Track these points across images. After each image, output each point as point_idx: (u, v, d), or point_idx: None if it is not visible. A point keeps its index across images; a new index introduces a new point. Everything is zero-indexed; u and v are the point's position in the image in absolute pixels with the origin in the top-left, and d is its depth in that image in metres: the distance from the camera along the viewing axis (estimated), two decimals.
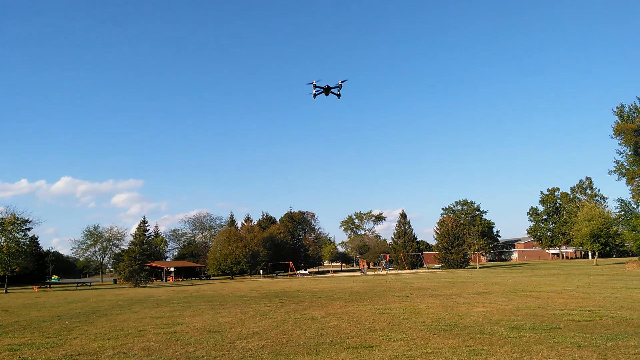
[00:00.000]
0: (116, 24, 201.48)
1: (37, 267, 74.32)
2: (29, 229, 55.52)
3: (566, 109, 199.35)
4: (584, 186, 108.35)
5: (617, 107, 59.94)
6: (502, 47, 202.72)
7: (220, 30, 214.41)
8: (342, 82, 26.76)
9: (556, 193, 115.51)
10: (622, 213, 57.96)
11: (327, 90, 26.69)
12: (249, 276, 77.97)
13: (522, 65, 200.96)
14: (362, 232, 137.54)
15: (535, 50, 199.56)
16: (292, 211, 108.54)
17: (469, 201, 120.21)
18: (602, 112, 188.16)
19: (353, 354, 9.09)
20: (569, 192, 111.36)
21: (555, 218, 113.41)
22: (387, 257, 79.66)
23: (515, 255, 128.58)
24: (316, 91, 26.68)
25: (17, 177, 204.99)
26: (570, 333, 10.57)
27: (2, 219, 53.80)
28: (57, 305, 25.61)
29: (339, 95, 27.05)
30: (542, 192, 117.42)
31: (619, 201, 57.90)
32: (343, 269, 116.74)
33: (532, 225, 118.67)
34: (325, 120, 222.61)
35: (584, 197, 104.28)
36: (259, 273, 77.22)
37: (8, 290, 51.01)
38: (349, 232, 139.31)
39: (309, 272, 79.11)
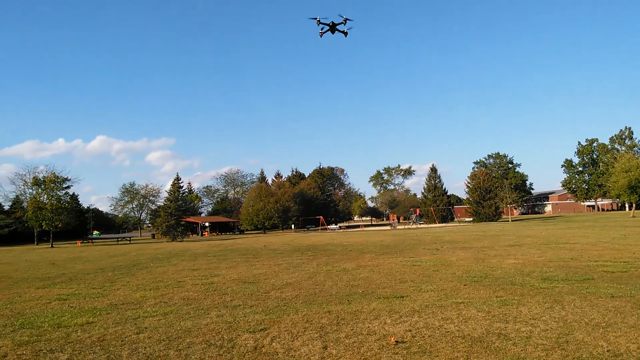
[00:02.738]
0: None
1: (78, 223, 77.67)
2: (68, 187, 58.00)
3: (604, 58, 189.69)
4: (624, 136, 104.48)
5: None
6: None
7: None
8: (345, 19, 25.42)
9: (594, 144, 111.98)
10: None
11: (332, 27, 25.39)
12: (281, 231, 79.57)
13: (560, 15, 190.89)
14: (392, 186, 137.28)
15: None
16: (322, 167, 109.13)
17: (501, 154, 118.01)
18: None
19: (384, 304, 9.29)
20: (607, 143, 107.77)
21: (592, 170, 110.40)
22: (417, 211, 79.64)
23: (549, 208, 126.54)
24: (321, 28, 25.53)
25: (54, 136, 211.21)
26: (604, 284, 10.49)
27: (43, 177, 56.08)
28: (99, 259, 26.84)
29: (345, 34, 25.63)
30: (579, 143, 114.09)
31: None
32: (373, 223, 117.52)
33: (566, 178, 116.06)
34: (354, 74, 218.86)
35: (623, 148, 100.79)
36: (291, 228, 78.61)
37: (53, 245, 53.65)
38: (378, 187, 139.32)
39: (340, 227, 79.98)
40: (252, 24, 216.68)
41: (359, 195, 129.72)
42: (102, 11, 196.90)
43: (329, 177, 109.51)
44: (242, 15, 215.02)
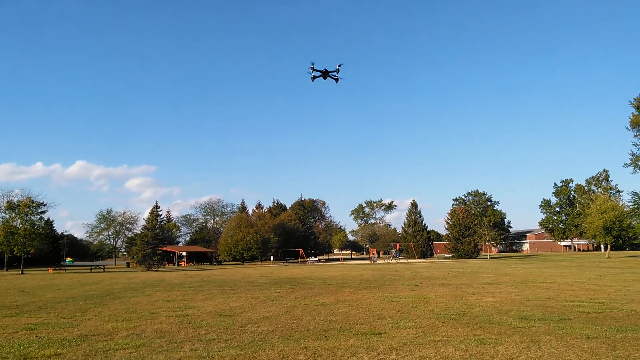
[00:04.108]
0: (123, 10, 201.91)
1: (51, 249, 75.53)
2: (44, 212, 56.59)
3: (583, 100, 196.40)
4: (600, 178, 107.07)
5: (635, 99, 59.05)
6: (518, 37, 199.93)
7: (238, 14, 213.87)
8: (339, 66, 26.53)
9: (570, 185, 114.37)
10: (636, 206, 57.41)
11: (325, 73, 26.35)
12: (260, 262, 78.66)
13: (538, 56, 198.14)
14: (373, 220, 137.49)
15: (550, 41, 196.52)
16: (303, 199, 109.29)
17: (480, 192, 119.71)
18: (620, 104, 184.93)
19: (362, 340, 9.19)
20: (584, 184, 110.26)
21: (568, 210, 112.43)
22: (397, 246, 79.80)
23: (526, 247, 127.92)
24: (314, 74, 26.43)
25: (32, 160, 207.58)
26: (580, 324, 10.56)
27: (18, 201, 54.78)
28: (71, 287, 26.10)
29: (336, 80, 26.72)
30: (555, 184, 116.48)
31: (632, 194, 57.34)
32: (353, 257, 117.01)
33: (544, 217, 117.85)
34: (336, 109, 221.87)
35: (599, 190, 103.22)
36: (270, 259, 77.79)
37: (24, 272, 52.00)
38: (359, 221, 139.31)
39: (319, 260, 79.46)
40: (236, 54, 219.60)
41: (340, 228, 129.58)
42: (87, 36, 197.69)
43: (310, 209, 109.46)
44: (226, 46, 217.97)
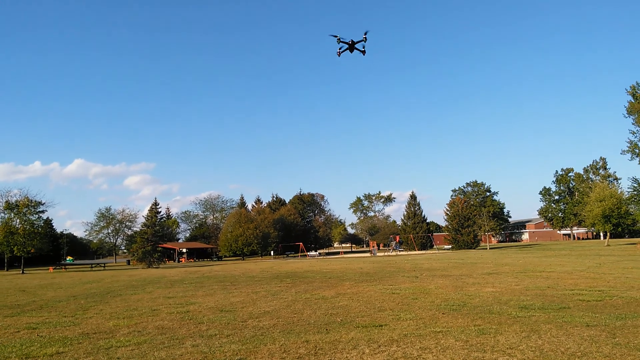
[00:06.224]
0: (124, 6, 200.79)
1: (51, 248, 75.43)
2: (42, 211, 56.49)
3: (579, 88, 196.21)
4: (598, 166, 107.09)
5: (631, 87, 58.97)
6: (517, 26, 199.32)
7: (236, 10, 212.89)
8: (366, 34, 24.38)
9: (570, 174, 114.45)
10: (635, 193, 57.52)
11: (351, 46, 24.51)
12: (260, 257, 78.71)
13: (536, 44, 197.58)
14: (372, 213, 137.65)
15: (548, 29, 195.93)
16: (302, 193, 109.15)
17: (479, 182, 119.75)
18: (617, 91, 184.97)
19: (363, 333, 9.22)
20: (582, 173, 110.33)
21: (567, 199, 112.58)
22: (397, 239, 79.92)
23: (526, 236, 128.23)
24: (341, 47, 24.37)
25: (30, 159, 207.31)
26: (580, 313, 10.61)
27: (16, 201, 54.70)
28: (72, 286, 26.12)
29: (363, 52, 24.62)
30: (557, 171, 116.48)
31: (632, 180, 57.40)
32: (353, 250, 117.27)
33: (543, 206, 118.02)
34: (333, 101, 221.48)
35: (597, 178, 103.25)
36: (270, 254, 77.88)
37: (25, 271, 52.03)
38: (359, 214, 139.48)
39: (319, 253, 79.55)
40: (231, 49, 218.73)
41: (339, 221, 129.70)
42: (83, 33, 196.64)
43: (309, 203, 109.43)
44: (222, 42, 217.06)
